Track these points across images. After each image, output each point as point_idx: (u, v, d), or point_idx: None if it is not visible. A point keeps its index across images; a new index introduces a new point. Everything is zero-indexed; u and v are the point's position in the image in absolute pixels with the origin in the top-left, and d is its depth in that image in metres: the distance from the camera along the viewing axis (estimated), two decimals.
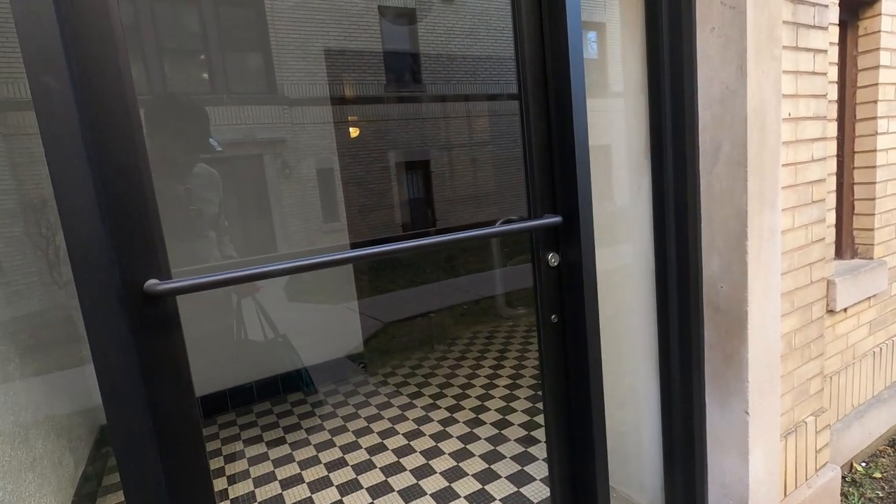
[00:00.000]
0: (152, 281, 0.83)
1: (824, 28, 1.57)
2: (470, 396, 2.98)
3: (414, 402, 2.98)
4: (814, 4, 1.52)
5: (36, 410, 1.93)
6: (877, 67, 2.03)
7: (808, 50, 1.52)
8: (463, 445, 2.46)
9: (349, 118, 8.74)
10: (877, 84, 2.04)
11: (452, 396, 3.00)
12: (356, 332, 3.94)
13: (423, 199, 10.36)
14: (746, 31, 1.28)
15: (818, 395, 1.75)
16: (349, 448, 2.52)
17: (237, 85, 7.40)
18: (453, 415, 2.78)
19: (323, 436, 2.67)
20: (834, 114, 1.86)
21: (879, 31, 2.00)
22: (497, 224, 1.37)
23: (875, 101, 2.05)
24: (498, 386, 3.09)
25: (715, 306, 1.49)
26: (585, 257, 1.24)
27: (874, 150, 2.08)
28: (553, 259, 1.28)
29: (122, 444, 0.82)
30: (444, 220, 10.35)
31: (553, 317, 1.33)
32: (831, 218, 1.90)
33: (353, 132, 8.91)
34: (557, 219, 1.22)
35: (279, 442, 2.65)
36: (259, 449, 2.60)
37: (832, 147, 1.84)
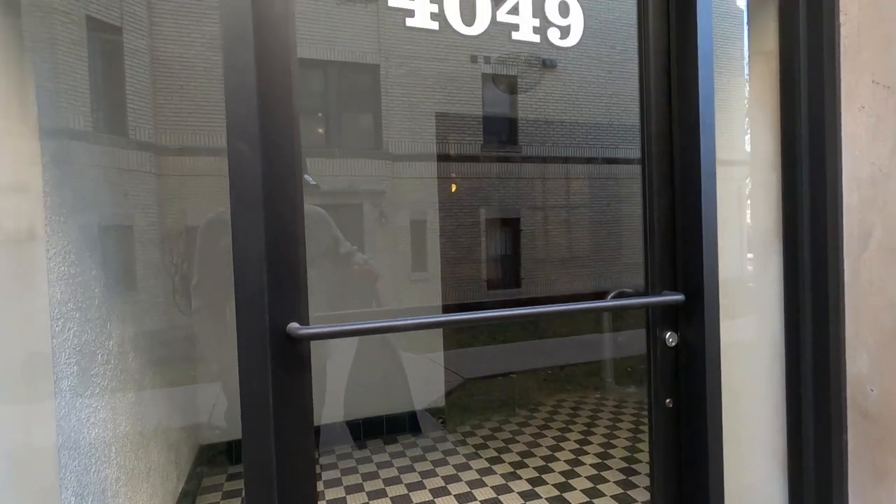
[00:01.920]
0: (294, 325, 0.90)
1: None
2: (553, 471, 2.80)
3: (493, 467, 2.87)
4: None
5: (156, 422, 2.12)
6: None
7: None
8: None
9: (444, 174, 9.16)
10: None
11: (534, 468, 2.84)
12: (437, 384, 3.93)
13: (511, 256, 10.36)
14: None
15: None
16: None
17: (348, 140, 8.12)
18: (535, 488, 2.62)
19: (399, 489, 2.64)
20: None
21: None
22: (609, 297, 1.33)
23: None
24: (584, 464, 2.88)
25: (863, 411, 1.30)
26: (709, 340, 1.16)
27: None
28: (671, 339, 1.22)
29: (252, 469, 0.88)
30: (529, 278, 10.23)
31: (668, 401, 1.24)
32: None
33: (449, 187, 9.29)
34: (679, 297, 1.17)
35: (357, 489, 2.65)
36: (338, 493, 2.62)
37: None
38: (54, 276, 1.16)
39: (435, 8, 1.04)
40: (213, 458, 2.96)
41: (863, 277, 1.29)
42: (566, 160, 10.35)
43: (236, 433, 3.27)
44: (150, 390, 2.11)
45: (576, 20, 1.15)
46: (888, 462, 1.25)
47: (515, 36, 1.11)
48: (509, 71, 10.02)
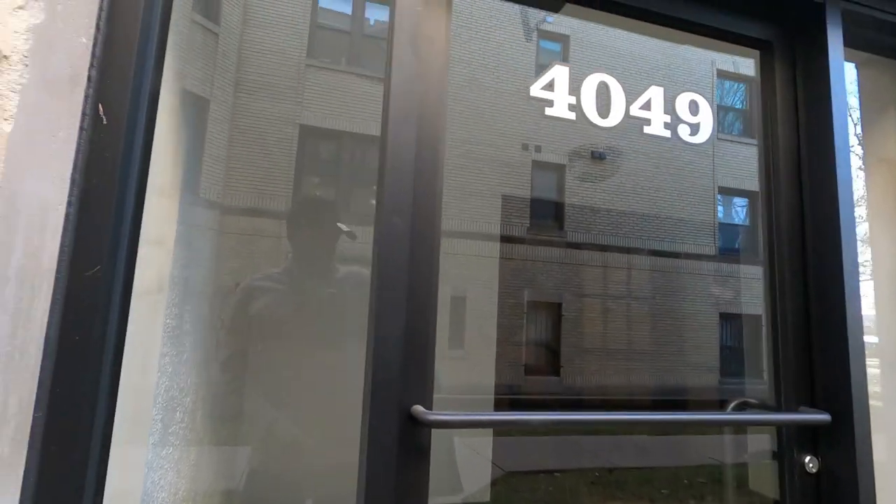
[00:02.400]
0: (419, 408, 0.85)
1: None
2: None
3: None
4: None
5: (205, 485, 2.02)
6: None
7: None
8: None
9: (490, 254, 9.23)
10: None
11: None
12: (482, 475, 3.65)
13: (551, 341, 10.05)
14: None
15: None
16: None
17: None
18: None
19: None
20: None
21: None
22: (730, 408, 1.22)
23: None
24: None
25: None
26: (861, 468, 1.02)
27: None
28: (811, 464, 1.07)
29: None
30: (569, 366, 9.81)
31: None
32: None
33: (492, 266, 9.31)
34: (824, 416, 1.04)
35: None
36: None
37: None
38: (163, 328, 1.16)
39: (573, 100, 1.06)
40: None
41: None
42: (608, 248, 10.29)
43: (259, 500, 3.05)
44: (201, 452, 2.04)
45: (705, 118, 1.16)
46: None
47: (647, 130, 1.12)
48: (559, 160, 10.35)
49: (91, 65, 0.72)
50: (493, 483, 3.99)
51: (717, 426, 1.22)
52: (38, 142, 0.63)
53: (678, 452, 5.63)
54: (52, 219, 0.66)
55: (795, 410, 1.09)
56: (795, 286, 1.15)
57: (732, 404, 1.21)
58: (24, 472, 0.65)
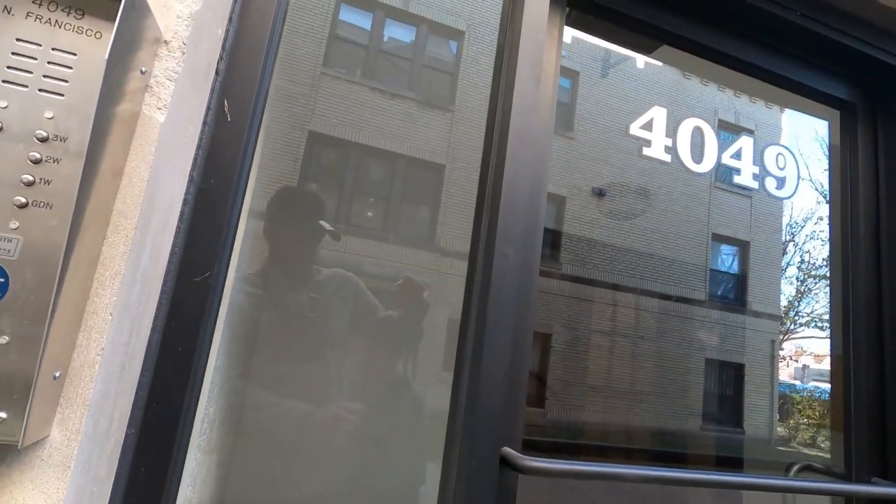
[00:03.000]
0: (509, 451, 0.80)
1: None
2: None
3: None
4: None
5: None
6: None
7: None
8: None
9: None
10: None
11: None
12: None
13: (537, 372, 9.97)
14: None
15: None
16: None
17: (404, 229, 8.39)
18: None
19: None
20: None
21: None
22: (793, 472, 1.18)
23: None
24: None
25: None
26: None
27: None
28: None
29: None
30: (554, 400, 9.72)
31: None
32: None
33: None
34: None
35: None
36: None
37: None
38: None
39: (669, 142, 1.05)
40: None
41: None
42: (601, 284, 10.33)
43: None
44: (211, 466, 1.93)
45: (791, 172, 1.15)
46: None
47: (736, 179, 1.10)
48: (560, 192, 10.46)
49: (220, 57, 0.68)
50: None
51: (785, 492, 1.18)
52: (177, 135, 0.58)
53: (661, 497, 5.56)
54: (172, 219, 0.61)
55: (869, 482, 1.05)
56: (871, 353, 1.13)
57: (795, 468, 1.17)
58: (111, 494, 0.58)
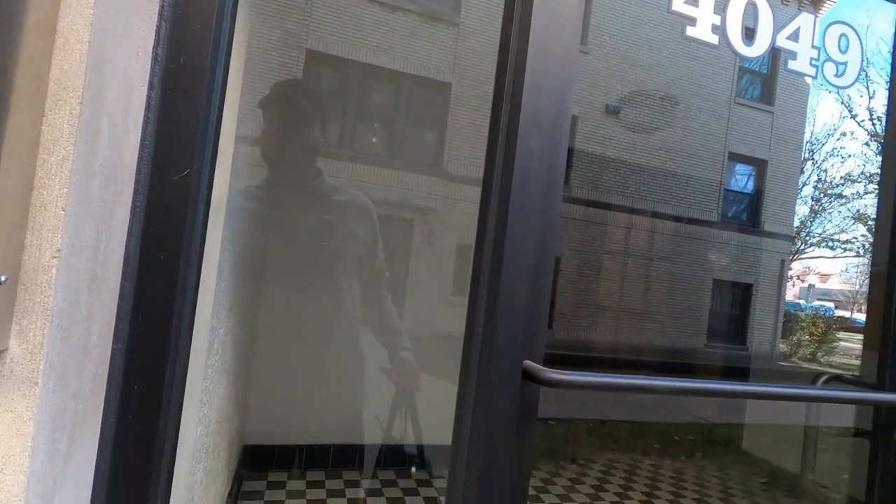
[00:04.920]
0: (532, 364, 0.74)
1: None
2: None
3: None
4: None
5: (227, 420, 1.97)
6: None
7: None
8: None
9: None
10: None
11: None
12: None
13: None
14: None
15: None
16: None
17: (410, 153, 8.12)
18: None
19: None
20: None
21: None
22: (820, 382, 1.14)
23: None
24: None
25: None
26: None
27: None
28: None
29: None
30: (562, 320, 9.94)
31: None
32: None
33: None
34: None
35: None
36: None
37: None
38: (219, 253, 1.03)
39: (717, 20, 0.90)
40: (254, 460, 2.79)
41: None
42: (610, 206, 10.17)
43: (282, 438, 3.06)
44: (227, 386, 1.97)
45: (854, 57, 1.00)
46: None
47: (791, 65, 0.96)
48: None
49: None
50: None
51: (816, 402, 1.15)
52: None
53: (665, 410, 5.80)
54: (135, 102, 0.51)
55: None
56: None
57: (822, 379, 1.13)
58: (104, 411, 0.54)
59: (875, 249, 1.14)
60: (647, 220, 10.48)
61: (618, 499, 3.07)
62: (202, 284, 0.90)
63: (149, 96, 0.54)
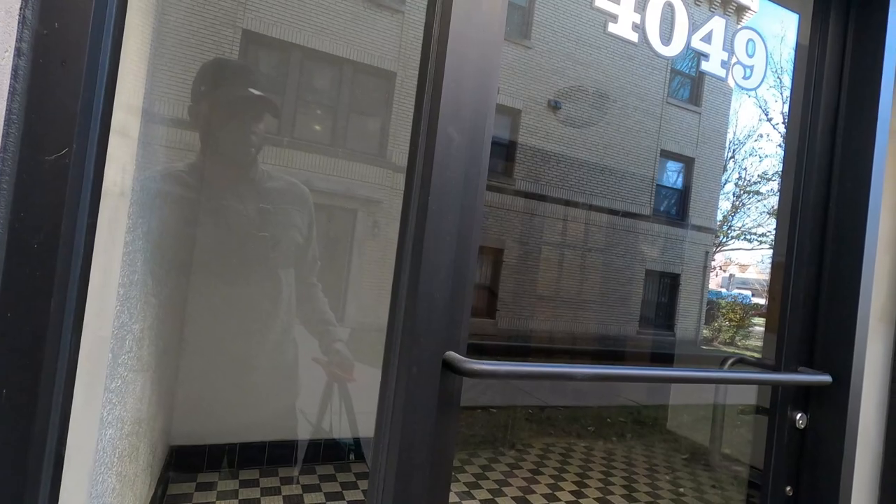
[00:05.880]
0: (454, 355, 0.74)
1: None
2: None
3: None
4: None
5: (148, 421, 1.85)
6: None
7: None
8: None
9: None
10: None
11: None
12: None
13: (489, 286, 10.29)
14: None
15: None
16: None
17: (353, 142, 7.94)
18: None
19: None
20: None
21: None
22: (727, 365, 1.23)
23: None
24: None
25: None
26: (849, 428, 1.06)
27: None
28: (801, 421, 1.11)
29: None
30: (504, 310, 10.16)
31: (788, 489, 1.13)
32: None
33: None
34: (825, 378, 1.07)
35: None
36: None
37: None
38: (122, 244, 0.95)
39: (637, 18, 0.93)
40: (182, 462, 2.65)
41: None
42: (549, 199, 10.48)
43: (212, 437, 2.93)
44: (146, 385, 1.84)
45: (759, 62, 1.06)
46: None
47: (704, 66, 1.01)
48: (515, 104, 10.16)
49: None
50: None
51: (720, 384, 1.23)
52: None
53: (599, 395, 6.07)
54: (1, 74, 0.45)
55: (796, 371, 1.10)
56: (814, 253, 1.14)
57: (729, 362, 1.22)
58: None
59: (776, 242, 1.23)
60: (585, 212, 10.88)
61: (553, 480, 3.19)
62: (103, 277, 0.82)
63: (16, 64, 0.48)
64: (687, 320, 11.85)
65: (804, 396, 1.12)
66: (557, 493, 3.01)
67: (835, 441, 1.07)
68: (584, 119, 10.55)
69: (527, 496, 2.92)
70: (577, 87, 10.35)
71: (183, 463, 2.64)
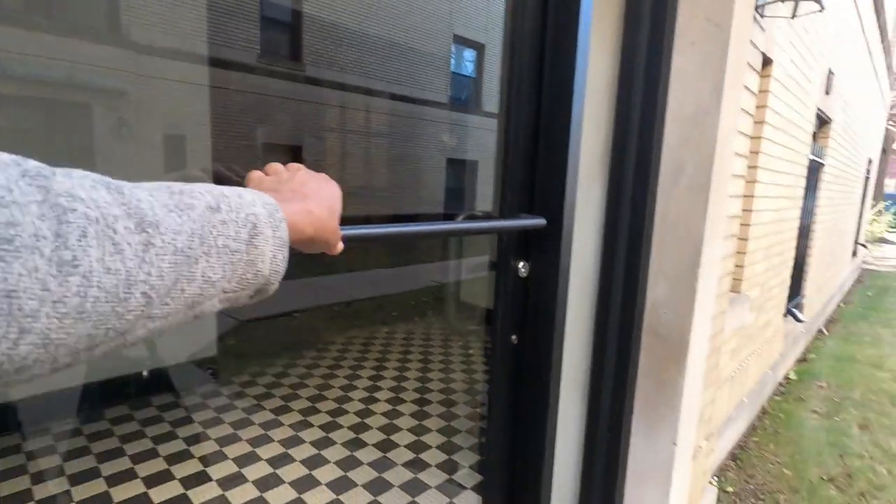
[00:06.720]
0: None
1: (756, 71, 1.66)
2: (348, 412, 2.63)
3: (280, 418, 2.53)
4: (754, 46, 1.59)
5: None
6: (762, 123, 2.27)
7: (746, 89, 1.57)
8: (343, 473, 2.11)
9: (215, 83, 7.60)
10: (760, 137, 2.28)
11: (327, 412, 2.62)
12: (206, 330, 3.27)
13: None
14: (728, 50, 1.25)
15: (710, 419, 1.83)
16: (194, 481, 2.00)
17: (64, 11, 5.87)
18: (329, 434, 2.40)
19: (158, 464, 2.08)
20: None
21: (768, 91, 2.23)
22: (460, 218, 1.12)
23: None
24: (380, 401, 2.79)
25: (654, 332, 1.43)
26: (563, 269, 1.06)
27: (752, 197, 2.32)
28: (524, 269, 1.08)
29: None
30: None
31: (513, 337, 1.12)
32: None
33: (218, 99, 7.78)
34: (540, 221, 1.02)
35: (90, 475, 1.99)
36: (61, 485, 1.92)
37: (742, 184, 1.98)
38: None
39: None
40: None
41: (671, 212, 1.37)
42: (347, 87, 9.83)
43: None
44: None
45: None
46: (670, 374, 1.42)
47: None
48: None
49: None
50: (224, 335, 3.68)
51: (452, 235, 1.12)
52: None
53: (405, 281, 6.30)
54: None
55: (517, 217, 1.04)
56: (531, 100, 1.04)
57: (462, 216, 1.11)
58: None
59: (499, 101, 1.10)
60: (386, 101, 10.52)
61: (351, 371, 3.17)
62: None
63: None
64: (485, 203, 12.94)
65: (525, 245, 1.08)
66: (355, 382, 3.01)
67: (550, 285, 1.06)
68: None
69: (323, 392, 2.85)
70: None
71: None
